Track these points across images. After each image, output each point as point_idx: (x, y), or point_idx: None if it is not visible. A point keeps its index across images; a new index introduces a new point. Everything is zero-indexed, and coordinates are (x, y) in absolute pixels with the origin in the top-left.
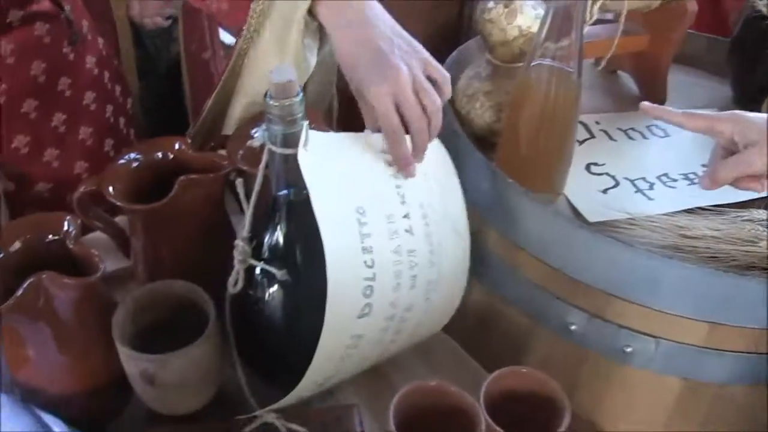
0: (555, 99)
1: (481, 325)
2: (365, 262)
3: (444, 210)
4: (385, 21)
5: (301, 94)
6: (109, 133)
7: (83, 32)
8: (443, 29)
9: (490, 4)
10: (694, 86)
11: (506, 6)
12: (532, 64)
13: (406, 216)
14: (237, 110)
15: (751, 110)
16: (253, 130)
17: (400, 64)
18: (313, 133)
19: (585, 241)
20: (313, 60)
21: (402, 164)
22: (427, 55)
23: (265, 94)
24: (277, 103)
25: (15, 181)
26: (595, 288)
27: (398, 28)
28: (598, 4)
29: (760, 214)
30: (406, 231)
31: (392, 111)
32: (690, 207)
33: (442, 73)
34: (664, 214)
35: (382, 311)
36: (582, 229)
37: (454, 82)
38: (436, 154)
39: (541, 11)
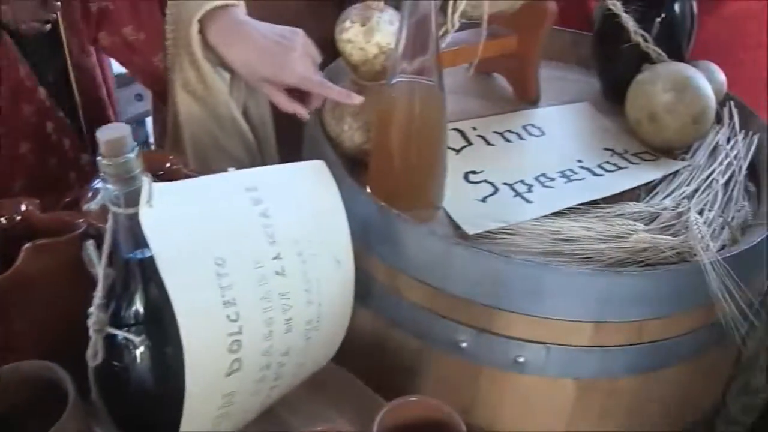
0: (420, 113)
1: (372, 351)
2: (228, 316)
3: (323, 240)
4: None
5: (136, 149)
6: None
7: None
8: (322, 44)
9: (347, 24)
10: (565, 81)
11: (363, 24)
12: (393, 81)
13: (276, 257)
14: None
15: (620, 102)
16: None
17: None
18: (158, 187)
19: (462, 258)
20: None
21: (344, 97)
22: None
23: (98, 154)
24: (110, 162)
25: None
26: (479, 303)
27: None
28: (459, 12)
29: (630, 206)
30: (277, 273)
31: (309, 75)
32: (568, 206)
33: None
34: (538, 220)
35: (255, 363)
36: (458, 246)
37: (322, 104)
38: (316, 178)
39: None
